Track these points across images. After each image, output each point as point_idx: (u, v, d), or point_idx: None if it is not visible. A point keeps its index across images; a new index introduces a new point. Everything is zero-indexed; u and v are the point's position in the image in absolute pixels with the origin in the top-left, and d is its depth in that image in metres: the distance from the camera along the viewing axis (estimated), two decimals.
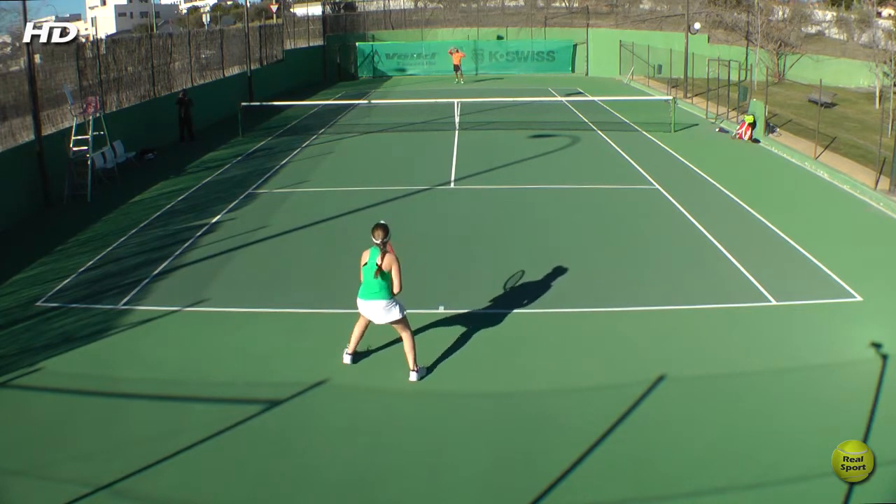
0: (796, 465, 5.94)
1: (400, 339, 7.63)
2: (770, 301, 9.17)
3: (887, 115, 19.34)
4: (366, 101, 26.56)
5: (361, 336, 7.69)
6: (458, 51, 35.07)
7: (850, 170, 15.88)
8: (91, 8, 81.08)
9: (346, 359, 7.74)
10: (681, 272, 10.22)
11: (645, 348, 8.04)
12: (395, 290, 7.15)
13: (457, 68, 34.45)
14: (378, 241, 7.10)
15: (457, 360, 7.84)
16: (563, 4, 42.33)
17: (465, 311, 8.98)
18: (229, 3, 77.72)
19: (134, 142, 17.84)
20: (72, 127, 14.86)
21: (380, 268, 7.09)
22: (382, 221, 7.28)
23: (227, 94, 24.40)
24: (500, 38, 39.51)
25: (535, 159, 17.42)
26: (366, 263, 7.20)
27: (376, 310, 7.26)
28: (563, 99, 27.68)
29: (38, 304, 9.38)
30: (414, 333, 7.58)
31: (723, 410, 6.84)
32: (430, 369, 7.60)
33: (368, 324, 7.55)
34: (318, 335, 8.42)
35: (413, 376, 7.39)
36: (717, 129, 21.47)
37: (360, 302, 7.36)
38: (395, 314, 7.25)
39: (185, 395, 7.15)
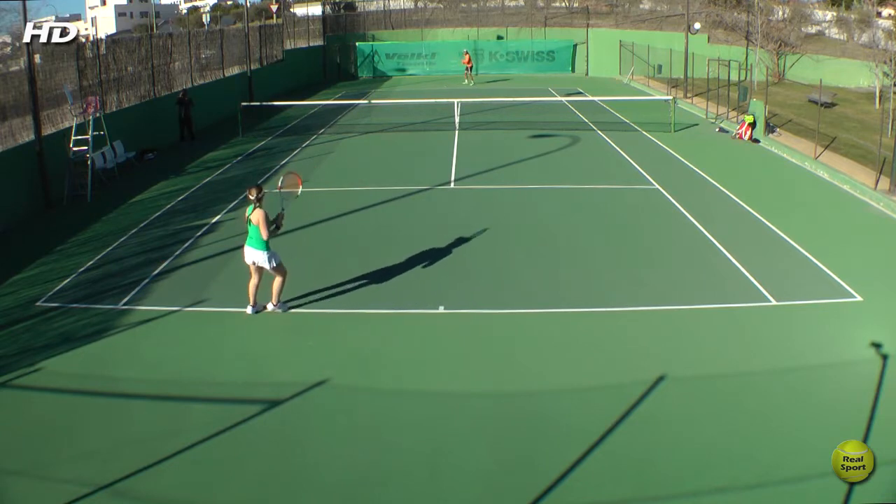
0: (796, 465, 5.94)
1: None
2: (770, 301, 9.17)
3: (887, 115, 19.33)
4: (366, 101, 26.56)
5: (255, 289, 8.93)
6: (466, 52, 35.07)
7: (850, 170, 15.88)
8: (91, 8, 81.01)
9: (249, 310, 8.89)
10: (681, 272, 10.22)
11: (645, 348, 8.04)
12: (263, 236, 8.60)
13: (468, 69, 34.40)
14: (252, 198, 8.61)
15: (457, 360, 7.84)
16: (563, 4, 42.32)
17: (465, 311, 8.98)
18: (229, 3, 77.69)
19: (134, 142, 17.84)
20: (72, 127, 14.86)
21: (257, 220, 8.53)
22: (258, 183, 8.70)
23: (227, 94, 24.40)
24: (500, 38, 39.52)
25: (535, 159, 17.42)
26: (248, 217, 8.68)
27: (253, 255, 8.69)
28: (563, 99, 27.68)
29: (38, 304, 9.38)
30: (413, 332, 7.59)
31: (723, 410, 6.84)
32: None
33: (259, 277, 8.87)
34: (319, 335, 8.42)
35: (270, 307, 8.92)
36: (717, 129, 21.46)
37: (245, 249, 8.80)
38: (268, 262, 8.68)
39: (185, 395, 7.15)
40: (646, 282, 9.85)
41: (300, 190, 9.45)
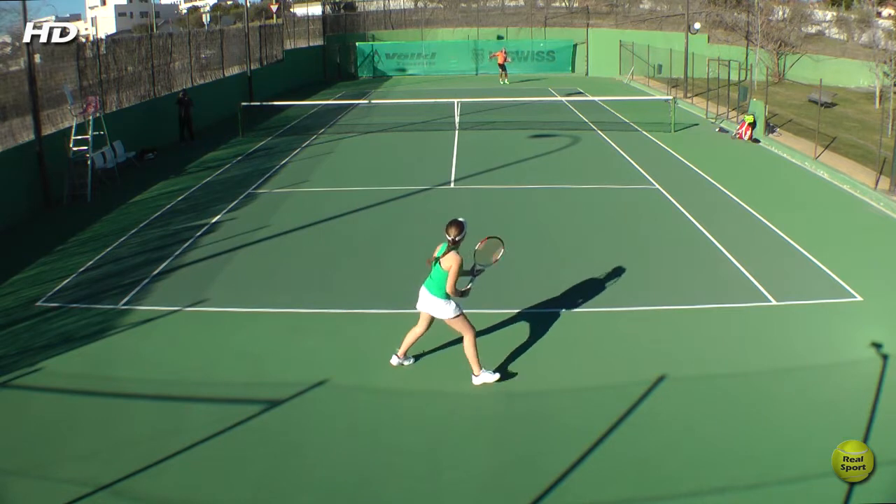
0: (796, 465, 5.93)
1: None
2: (770, 301, 9.17)
3: (887, 115, 19.34)
4: (366, 101, 26.56)
5: (415, 340, 7.58)
6: (503, 50, 34.49)
7: (850, 170, 15.88)
8: (91, 8, 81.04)
9: (394, 361, 7.64)
10: (681, 272, 10.22)
11: (645, 348, 8.03)
12: (448, 290, 7.12)
13: (502, 67, 33.79)
14: (449, 238, 7.12)
15: (457, 360, 7.82)
16: (563, 4, 42.32)
17: (465, 311, 8.95)
18: (229, 3, 77.71)
19: (134, 142, 17.84)
20: (72, 127, 14.86)
21: (437, 261, 7.13)
22: (460, 219, 7.27)
23: (227, 94, 24.40)
24: (500, 38, 39.53)
25: (535, 159, 17.42)
26: (436, 257, 7.21)
27: (429, 302, 7.26)
28: (563, 99, 27.68)
29: (38, 304, 9.38)
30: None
31: (723, 410, 6.84)
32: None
33: (427, 325, 7.48)
34: (318, 335, 8.42)
35: (475, 380, 7.29)
36: (717, 129, 21.47)
37: (420, 290, 7.33)
38: (448, 312, 7.20)
39: (185, 395, 7.15)
40: (646, 282, 9.85)
41: (500, 255, 7.60)
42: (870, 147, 17.18)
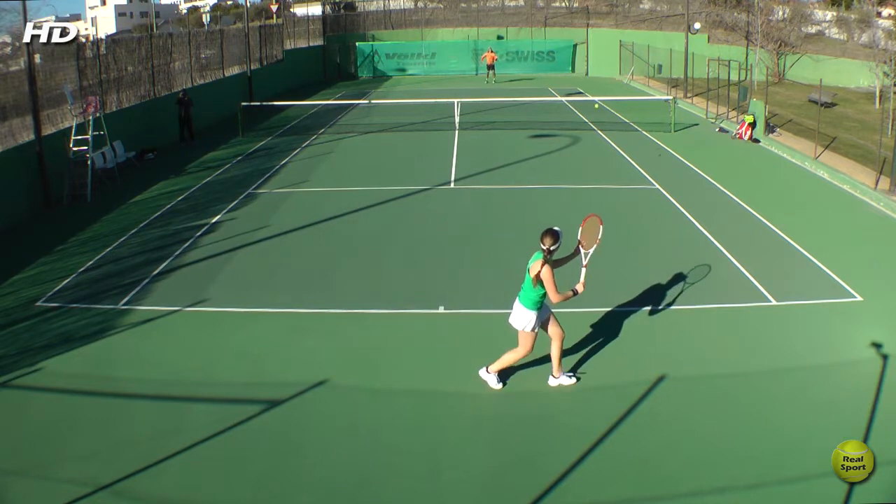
0: (796, 465, 5.93)
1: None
2: (770, 301, 9.17)
3: (887, 115, 19.33)
4: (366, 101, 26.57)
5: (559, 354, 7.27)
6: (491, 51, 35.00)
7: (850, 170, 15.88)
8: (91, 8, 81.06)
9: (552, 382, 7.30)
10: (681, 272, 10.21)
11: (645, 348, 8.04)
12: (553, 299, 6.89)
13: (490, 67, 34.30)
14: (544, 248, 6.88)
15: (456, 359, 7.83)
16: (563, 4, 42.33)
17: (465, 311, 8.98)
18: (229, 3, 77.72)
19: (134, 142, 17.84)
20: (72, 127, 14.86)
21: (536, 275, 6.86)
22: (555, 228, 6.98)
23: (227, 94, 24.40)
24: (500, 38, 39.54)
25: (535, 159, 17.42)
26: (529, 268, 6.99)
27: (514, 310, 7.11)
28: (563, 99, 27.68)
29: (38, 304, 9.38)
30: (414, 332, 7.54)
31: (723, 410, 6.84)
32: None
33: (556, 340, 7.23)
34: (318, 335, 8.42)
35: (482, 372, 7.29)
36: (717, 129, 21.46)
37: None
38: (524, 324, 7.02)
39: (185, 395, 7.15)
40: (646, 282, 9.84)
41: (600, 233, 7.53)
42: (870, 147, 17.18)
